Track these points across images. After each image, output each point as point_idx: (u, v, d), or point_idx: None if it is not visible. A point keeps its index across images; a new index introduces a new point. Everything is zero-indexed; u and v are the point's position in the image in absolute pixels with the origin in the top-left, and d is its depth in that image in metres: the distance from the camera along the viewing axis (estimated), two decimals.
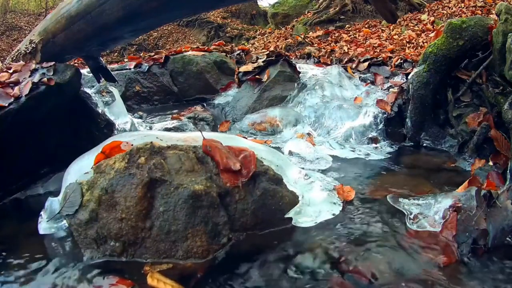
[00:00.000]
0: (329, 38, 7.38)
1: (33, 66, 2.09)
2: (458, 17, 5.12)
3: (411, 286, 1.16)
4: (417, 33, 6.25)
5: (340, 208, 1.60)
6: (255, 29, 12.25)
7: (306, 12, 10.00)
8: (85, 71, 3.25)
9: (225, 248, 1.37)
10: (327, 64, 3.63)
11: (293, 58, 4.12)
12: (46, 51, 2.50)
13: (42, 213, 1.54)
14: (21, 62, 2.22)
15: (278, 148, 2.30)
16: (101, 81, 3.09)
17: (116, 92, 2.74)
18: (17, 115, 1.83)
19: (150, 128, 2.81)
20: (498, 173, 1.76)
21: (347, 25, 8.45)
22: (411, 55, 4.25)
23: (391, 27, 7.06)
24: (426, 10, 7.71)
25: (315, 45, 6.44)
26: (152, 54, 4.23)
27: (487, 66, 2.26)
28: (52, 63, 2.11)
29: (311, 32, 8.27)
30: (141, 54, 5.27)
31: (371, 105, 2.73)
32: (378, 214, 1.57)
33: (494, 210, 1.36)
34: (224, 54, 4.14)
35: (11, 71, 2.08)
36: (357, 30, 7.59)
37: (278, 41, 8.50)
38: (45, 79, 1.97)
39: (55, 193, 1.64)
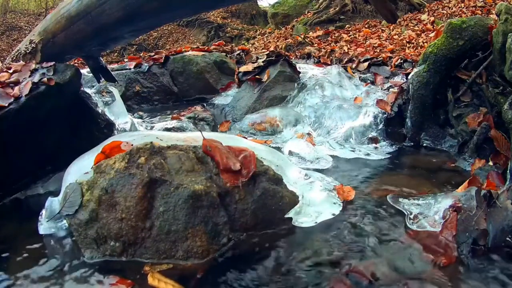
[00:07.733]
0: (329, 38, 7.38)
1: (33, 66, 2.09)
2: (458, 17, 5.12)
3: (411, 286, 1.16)
4: (417, 33, 6.26)
5: (340, 208, 1.60)
6: (255, 29, 12.25)
7: (306, 12, 10.00)
8: (85, 71, 3.25)
9: (225, 248, 1.37)
10: (327, 64, 3.63)
11: (293, 58, 4.11)
12: (46, 51, 2.51)
13: (42, 213, 1.54)
14: (21, 62, 2.22)
15: (278, 148, 2.30)
16: (101, 81, 3.09)
17: (116, 92, 2.73)
18: (17, 115, 1.83)
19: (150, 128, 2.81)
20: (498, 173, 1.76)
21: (347, 25, 8.45)
22: (411, 55, 4.26)
23: (391, 27, 7.06)
24: (426, 10, 7.71)
25: (315, 45, 6.45)
26: (152, 54, 4.23)
27: (487, 66, 2.26)
28: (52, 63, 2.10)
29: (311, 32, 8.27)
30: (141, 54, 5.27)
31: (371, 105, 2.72)
32: (378, 214, 1.57)
33: (494, 210, 1.36)
34: (224, 54, 4.13)
35: (11, 71, 2.07)
36: (357, 30, 7.59)
37: (278, 41, 8.50)
38: (45, 79, 1.97)
39: (55, 193, 1.63)
